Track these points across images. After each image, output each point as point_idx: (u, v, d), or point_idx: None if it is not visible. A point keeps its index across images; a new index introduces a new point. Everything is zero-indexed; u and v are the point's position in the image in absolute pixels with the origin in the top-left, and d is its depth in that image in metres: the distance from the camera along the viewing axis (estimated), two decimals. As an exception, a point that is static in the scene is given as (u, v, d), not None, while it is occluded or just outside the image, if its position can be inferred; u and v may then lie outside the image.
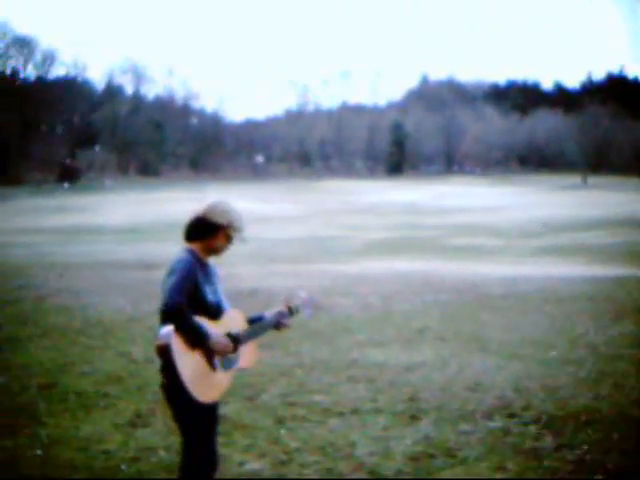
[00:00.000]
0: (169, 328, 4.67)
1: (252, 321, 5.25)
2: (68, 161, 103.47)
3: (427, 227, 52.22)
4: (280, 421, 7.78)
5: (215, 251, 5.10)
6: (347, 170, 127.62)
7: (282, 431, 7.43)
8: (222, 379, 4.89)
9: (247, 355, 5.10)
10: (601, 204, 72.43)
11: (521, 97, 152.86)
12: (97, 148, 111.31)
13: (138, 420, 7.84)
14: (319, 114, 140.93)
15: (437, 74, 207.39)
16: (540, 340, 12.02)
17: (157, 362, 10.17)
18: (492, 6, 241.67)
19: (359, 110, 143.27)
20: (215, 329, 4.81)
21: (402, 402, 8.40)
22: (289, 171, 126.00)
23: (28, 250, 33.31)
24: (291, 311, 5.44)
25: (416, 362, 10.46)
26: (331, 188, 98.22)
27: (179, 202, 72.41)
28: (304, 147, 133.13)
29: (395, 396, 8.66)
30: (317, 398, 8.57)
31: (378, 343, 11.97)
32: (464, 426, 7.47)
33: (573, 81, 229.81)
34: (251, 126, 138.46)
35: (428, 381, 9.36)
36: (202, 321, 4.75)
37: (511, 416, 7.77)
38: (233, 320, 5.05)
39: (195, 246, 5.06)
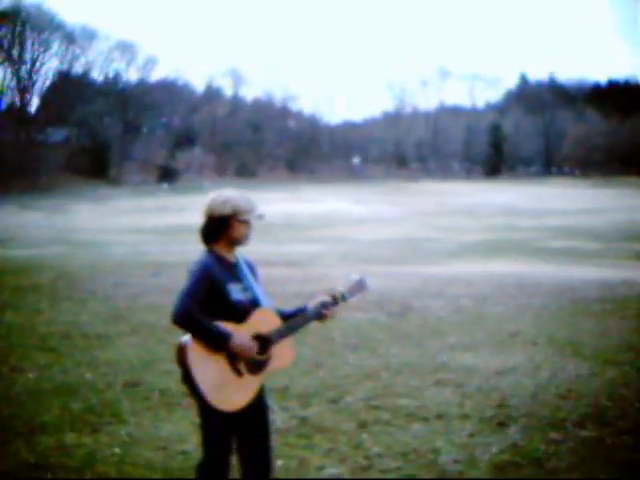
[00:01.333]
0: (188, 335, 4.52)
1: (291, 315, 4.92)
2: (166, 162, 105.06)
3: (524, 229, 51.37)
4: (363, 425, 7.56)
5: (238, 242, 4.84)
6: (444, 172, 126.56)
7: (364, 435, 7.21)
8: (250, 384, 4.64)
9: (280, 355, 4.77)
10: None
11: (623, 98, 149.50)
12: (196, 150, 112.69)
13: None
14: (416, 116, 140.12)
15: (537, 74, 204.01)
16: (633, 346, 11.54)
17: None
18: (590, 3, 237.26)
19: (456, 111, 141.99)
20: (241, 331, 4.57)
21: (490, 408, 8.10)
22: (386, 172, 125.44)
23: (127, 249, 33.84)
24: (335, 300, 4.98)
25: (507, 367, 10.13)
26: (427, 190, 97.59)
27: (275, 203, 72.87)
28: (401, 149, 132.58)
29: (483, 402, 8.37)
30: (402, 402, 8.33)
31: (468, 346, 11.66)
32: (554, 435, 7.13)
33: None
34: (348, 128, 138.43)
35: (518, 387, 9.03)
36: (223, 324, 4.51)
37: (605, 425, 7.40)
38: (263, 319, 4.74)
39: (216, 247, 4.82)
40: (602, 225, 53.38)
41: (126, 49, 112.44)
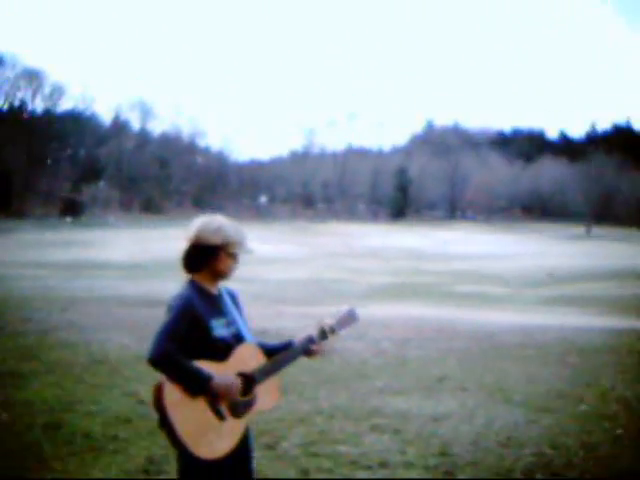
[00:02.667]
0: (163, 378, 4.12)
1: (275, 349, 4.58)
2: (70, 195, 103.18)
3: (431, 273, 51.82)
4: (305, 473, 7.22)
5: (221, 275, 4.50)
6: (350, 213, 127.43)
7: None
8: (233, 428, 4.23)
9: (265, 395, 4.41)
10: (605, 255, 72.23)
11: (526, 145, 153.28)
12: (101, 183, 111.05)
13: (151, 467, 7.29)
14: (324, 156, 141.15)
15: (442, 120, 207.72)
16: (567, 393, 11.46)
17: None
18: (498, 55, 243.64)
19: (363, 154, 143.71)
20: (223, 370, 4.20)
21: (433, 456, 7.85)
22: (292, 212, 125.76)
23: (31, 283, 32.85)
24: (324, 333, 4.61)
25: (441, 413, 9.92)
26: (334, 230, 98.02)
27: (182, 240, 72.18)
28: (308, 189, 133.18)
29: (424, 449, 8.12)
30: (342, 449, 8.02)
31: (397, 391, 11.42)
32: (504, 485, 6.94)
33: (578, 130, 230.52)
34: (255, 166, 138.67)
35: (457, 433, 8.81)
36: (203, 363, 4.13)
37: (554, 475, 7.23)
38: (247, 356, 4.38)
39: (198, 276, 4.48)
40: (507, 270, 54.28)
41: (33, 77, 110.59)
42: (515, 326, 20.59)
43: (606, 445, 8.36)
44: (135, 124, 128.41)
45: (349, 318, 4.77)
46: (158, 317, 14.88)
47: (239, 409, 4.27)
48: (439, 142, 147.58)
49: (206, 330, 4.28)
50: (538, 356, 15.25)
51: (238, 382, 4.22)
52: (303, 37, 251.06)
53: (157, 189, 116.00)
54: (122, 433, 8.46)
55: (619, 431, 9.05)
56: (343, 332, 4.71)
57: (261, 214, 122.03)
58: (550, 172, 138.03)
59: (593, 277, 49.15)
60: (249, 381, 4.32)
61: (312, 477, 7.08)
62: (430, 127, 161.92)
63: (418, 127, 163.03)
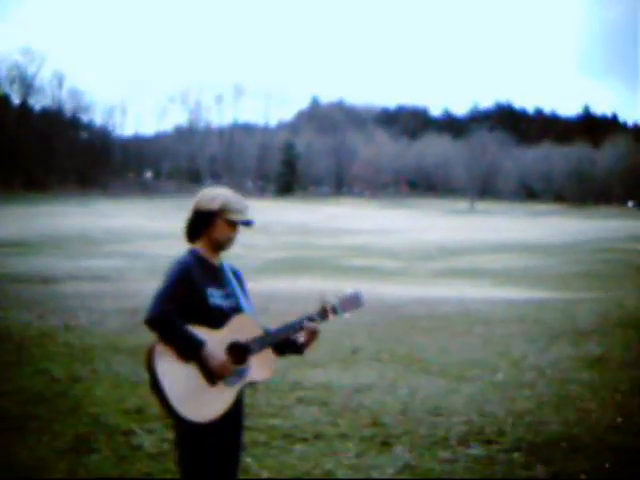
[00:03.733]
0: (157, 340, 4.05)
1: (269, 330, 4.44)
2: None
3: (321, 247, 51.95)
4: (242, 447, 7.07)
5: (220, 244, 4.37)
6: (237, 189, 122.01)
7: (247, 459, 6.69)
8: (224, 395, 4.13)
9: (259, 367, 4.27)
10: (490, 229, 73.67)
11: (410, 122, 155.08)
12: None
13: (81, 445, 7.03)
14: (210, 131, 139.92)
15: (328, 96, 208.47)
16: (481, 362, 11.61)
17: (84, 381, 9.42)
18: (383, 32, 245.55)
19: (250, 129, 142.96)
20: (218, 337, 4.11)
21: (366, 427, 7.80)
22: (178, 188, 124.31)
23: None
24: (325, 313, 4.44)
25: (363, 384, 9.90)
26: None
27: (67, 217, 70.75)
28: (194, 164, 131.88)
29: (356, 420, 8.07)
30: (274, 422, 7.90)
31: (314, 363, 11.27)
32: (443, 454, 6.92)
33: (461, 108, 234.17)
34: (140, 141, 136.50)
35: (384, 404, 8.80)
36: (198, 330, 4.05)
37: (489, 443, 7.25)
38: (243, 326, 4.26)
39: (198, 245, 4.39)
40: (396, 245, 54.81)
41: None
42: (416, 298, 20.83)
43: (532, 412, 8.47)
44: (15, 98, 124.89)
45: (354, 301, 4.53)
46: (54, 294, 14.63)
47: (231, 377, 4.16)
48: (325, 118, 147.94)
49: (202, 297, 4.19)
50: (445, 327, 15.44)
51: (229, 360, 4.12)
52: (190, 8, 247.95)
53: (39, 165, 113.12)
54: (42, 412, 8.17)
55: (540, 398, 9.19)
56: (347, 315, 4.50)
57: (147, 190, 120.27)
58: (434, 148, 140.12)
59: (480, 250, 50.09)
60: (243, 350, 4.20)
61: (249, 451, 6.92)
62: (316, 103, 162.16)
63: (304, 103, 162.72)
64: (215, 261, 4.42)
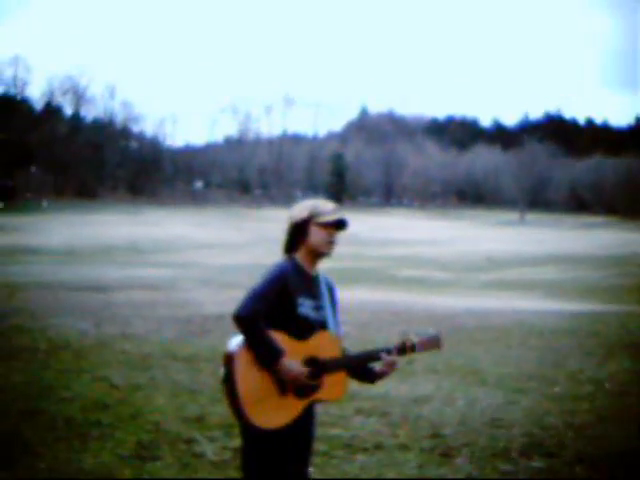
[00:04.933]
0: (240, 337, 4.17)
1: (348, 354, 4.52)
2: (1, 180, 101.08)
3: (370, 258, 51.90)
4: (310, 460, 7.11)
5: (318, 250, 4.42)
6: (286, 199, 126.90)
7: (310, 469, 6.72)
8: (293, 406, 4.20)
9: (331, 386, 4.34)
10: (539, 240, 73.18)
11: (460, 132, 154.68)
12: (33, 168, 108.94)
13: (144, 452, 7.10)
14: (259, 142, 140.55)
15: (377, 107, 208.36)
16: (538, 375, 11.53)
17: (143, 389, 9.50)
18: (433, 42, 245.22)
19: (299, 139, 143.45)
20: (298, 349, 4.20)
21: (426, 438, 7.80)
22: (228, 198, 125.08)
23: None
24: (403, 350, 4.51)
25: (420, 395, 9.89)
26: (271, 216, 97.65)
27: (117, 225, 71.47)
28: (244, 174, 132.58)
29: (415, 431, 8.07)
30: (333, 432, 7.91)
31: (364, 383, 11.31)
32: (505, 466, 6.89)
33: (511, 119, 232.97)
34: (190, 152, 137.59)
35: (442, 416, 8.78)
36: (280, 337, 4.15)
37: (550, 456, 7.21)
38: (325, 343, 4.35)
39: (297, 255, 4.45)
40: (446, 255, 54.66)
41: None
42: (467, 309, 20.71)
43: (592, 426, 8.41)
44: (68, 109, 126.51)
45: (433, 343, 4.63)
46: (109, 302, 14.79)
47: (302, 390, 4.23)
48: (374, 129, 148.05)
49: (292, 305, 4.28)
50: (499, 339, 15.35)
51: (304, 373, 4.19)
52: (239, 21, 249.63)
53: (90, 174, 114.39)
54: (104, 418, 8.25)
55: (599, 412, 9.11)
56: (422, 353, 4.64)
57: (196, 199, 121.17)
58: (484, 159, 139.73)
59: (529, 262, 49.78)
60: (319, 367, 4.27)
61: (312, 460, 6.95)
62: (365, 113, 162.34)
63: (353, 114, 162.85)
64: (311, 271, 4.48)
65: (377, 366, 4.53)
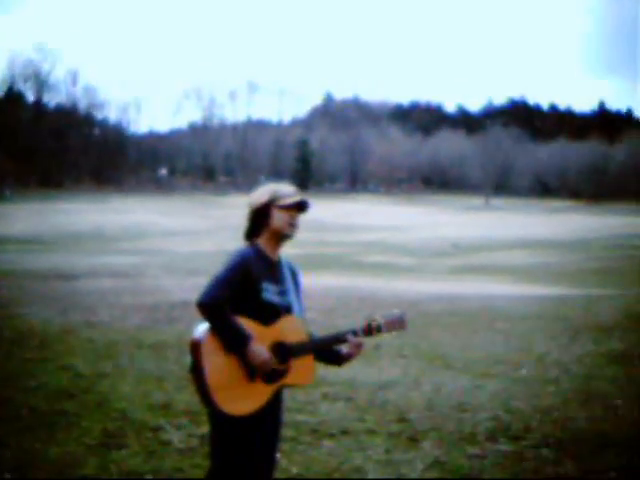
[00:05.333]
0: (206, 325, 4.13)
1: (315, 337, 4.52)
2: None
3: (336, 244, 51.99)
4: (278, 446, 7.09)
5: (281, 232, 4.41)
6: (251, 185, 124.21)
7: (276, 455, 6.71)
8: (261, 392, 4.18)
9: (298, 371, 4.35)
10: (505, 225, 73.63)
11: (425, 118, 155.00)
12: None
13: (110, 441, 7.04)
14: (224, 128, 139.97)
15: (342, 92, 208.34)
16: (504, 358, 11.58)
17: (109, 377, 9.44)
18: (397, 27, 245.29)
19: (264, 126, 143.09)
20: (264, 333, 4.18)
21: (393, 422, 7.81)
22: (193, 185, 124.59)
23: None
24: (369, 331, 4.55)
25: (387, 380, 9.90)
26: (236, 203, 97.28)
27: (82, 213, 70.99)
28: (208, 161, 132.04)
29: (382, 416, 8.07)
30: (300, 417, 7.90)
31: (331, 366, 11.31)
32: (472, 449, 6.91)
33: (475, 104, 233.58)
34: (155, 138, 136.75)
35: (409, 400, 8.79)
36: (246, 323, 4.12)
37: (516, 439, 7.24)
38: (291, 327, 4.33)
39: (259, 241, 4.43)
40: (412, 241, 54.81)
41: None
42: (434, 295, 20.76)
43: (558, 409, 8.45)
44: (30, 95, 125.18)
45: (398, 323, 4.67)
46: (75, 290, 14.67)
47: (270, 375, 4.22)
48: (339, 114, 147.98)
49: (257, 290, 4.26)
50: (466, 323, 15.41)
51: (272, 359, 4.17)
52: (203, 6, 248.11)
53: (54, 162, 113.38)
54: (69, 407, 8.18)
55: (565, 394, 9.17)
56: (386, 334, 4.62)
57: (161, 187, 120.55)
58: (449, 145, 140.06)
59: (496, 246, 50.06)
60: (286, 351, 4.26)
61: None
62: (330, 99, 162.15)
63: (318, 100, 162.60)
64: (274, 256, 4.47)
65: (344, 348, 4.56)
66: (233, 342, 4.07)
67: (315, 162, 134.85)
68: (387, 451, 6.90)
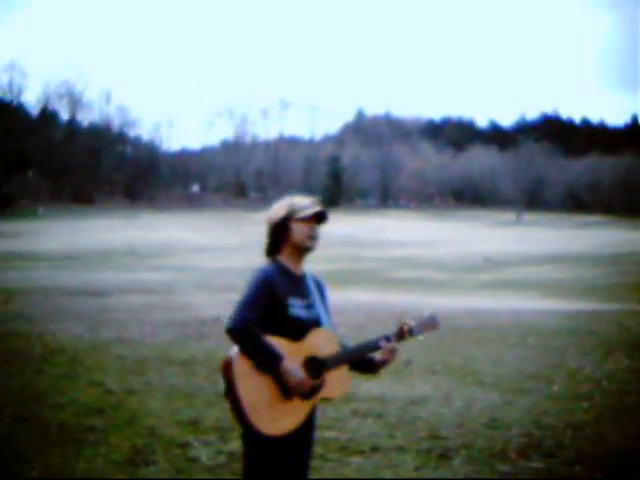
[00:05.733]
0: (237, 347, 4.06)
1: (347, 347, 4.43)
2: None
3: (368, 259, 51.91)
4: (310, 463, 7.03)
5: (302, 246, 4.34)
6: None
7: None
8: (298, 408, 4.11)
9: (334, 383, 4.25)
10: (537, 240, 73.16)
11: (456, 133, 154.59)
12: (30, 174, 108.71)
13: (138, 457, 7.01)
14: (256, 145, 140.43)
15: (373, 109, 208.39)
16: (536, 374, 11.47)
17: (138, 393, 9.42)
18: (428, 43, 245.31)
19: (296, 142, 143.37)
20: (296, 350, 4.11)
21: (423, 439, 7.72)
22: (225, 201, 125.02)
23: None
24: (402, 335, 4.46)
25: (417, 396, 9.81)
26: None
27: (114, 230, 71.42)
28: (240, 178, 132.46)
29: (412, 432, 7.98)
30: (329, 434, 7.81)
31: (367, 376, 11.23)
32: (503, 467, 6.81)
33: (507, 119, 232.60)
34: (187, 155, 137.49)
35: (440, 417, 8.70)
36: (277, 342, 4.05)
37: (548, 456, 7.13)
38: (322, 340, 4.25)
39: (281, 257, 4.37)
40: (443, 256, 54.61)
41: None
42: (466, 310, 20.65)
43: (591, 425, 8.33)
44: (64, 114, 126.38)
45: (430, 324, 4.62)
46: (105, 307, 14.64)
47: (306, 392, 4.13)
48: (370, 131, 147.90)
49: (283, 307, 4.19)
50: (498, 339, 15.28)
51: (307, 378, 4.08)
52: (235, 24, 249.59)
53: (87, 179, 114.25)
54: (98, 424, 8.16)
55: (598, 410, 9.04)
56: (421, 337, 4.56)
57: (193, 203, 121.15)
58: (480, 160, 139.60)
59: (527, 261, 49.77)
60: (319, 365, 4.18)
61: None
62: (361, 116, 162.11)
63: (349, 116, 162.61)
64: (297, 271, 4.40)
65: (377, 355, 4.45)
66: (265, 363, 4.01)
67: (346, 178, 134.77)
68: (417, 468, 6.81)
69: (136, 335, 15.07)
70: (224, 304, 21.08)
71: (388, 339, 4.40)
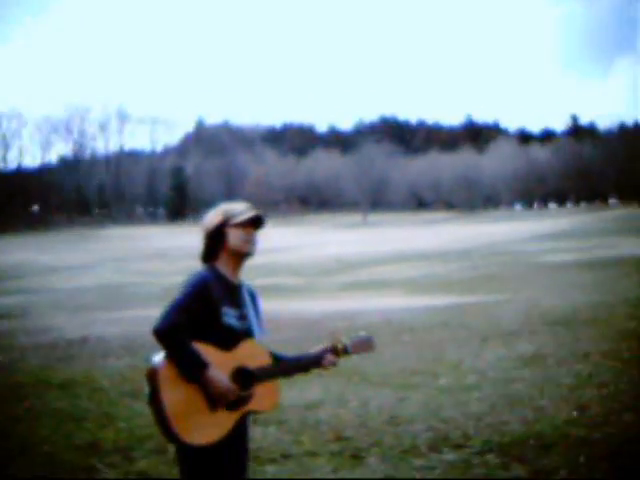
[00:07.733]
0: (163, 352, 3.94)
1: (281, 360, 4.40)
2: None
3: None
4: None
5: (240, 251, 4.28)
6: (128, 216, 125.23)
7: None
8: (224, 419, 4.00)
9: (262, 397, 4.19)
10: (385, 240, 74.38)
11: (298, 139, 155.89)
12: None
13: (43, 486, 6.74)
14: (96, 161, 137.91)
15: (213, 118, 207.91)
16: (421, 370, 11.63)
17: (24, 421, 9.04)
18: (262, 49, 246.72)
19: (137, 155, 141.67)
20: (225, 359, 4.01)
21: (330, 442, 7.71)
22: (68, 220, 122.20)
23: None
24: (335, 351, 4.53)
25: (312, 400, 9.79)
26: (114, 235, 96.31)
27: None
28: (82, 195, 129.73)
29: (318, 436, 7.96)
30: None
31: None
32: (418, 462, 6.87)
33: (346, 123, 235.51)
34: (24, 175, 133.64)
35: (340, 418, 8.71)
36: (206, 349, 3.95)
37: (459, 447, 7.24)
38: (252, 352, 4.18)
39: (218, 264, 4.28)
40: (296, 261, 54.85)
41: None
42: (333, 312, 20.76)
43: (487, 414, 8.50)
44: None
45: (365, 345, 4.68)
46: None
47: (233, 402, 4.04)
48: (212, 140, 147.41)
49: (216, 314, 4.10)
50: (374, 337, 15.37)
51: (232, 387, 4.00)
52: (70, 31, 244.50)
53: None
54: (-10, 455, 7.80)
55: (490, 400, 9.22)
56: (354, 355, 4.63)
57: (34, 224, 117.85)
58: (323, 164, 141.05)
59: (379, 261, 50.44)
60: (249, 377, 4.10)
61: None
62: (201, 125, 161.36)
63: (189, 126, 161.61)
64: (234, 279, 4.32)
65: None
66: (189, 370, 3.91)
67: (191, 189, 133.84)
68: (334, 471, 6.81)
69: (5, 361, 14.53)
70: (87, 324, 20.63)
71: (328, 352, 4.49)
